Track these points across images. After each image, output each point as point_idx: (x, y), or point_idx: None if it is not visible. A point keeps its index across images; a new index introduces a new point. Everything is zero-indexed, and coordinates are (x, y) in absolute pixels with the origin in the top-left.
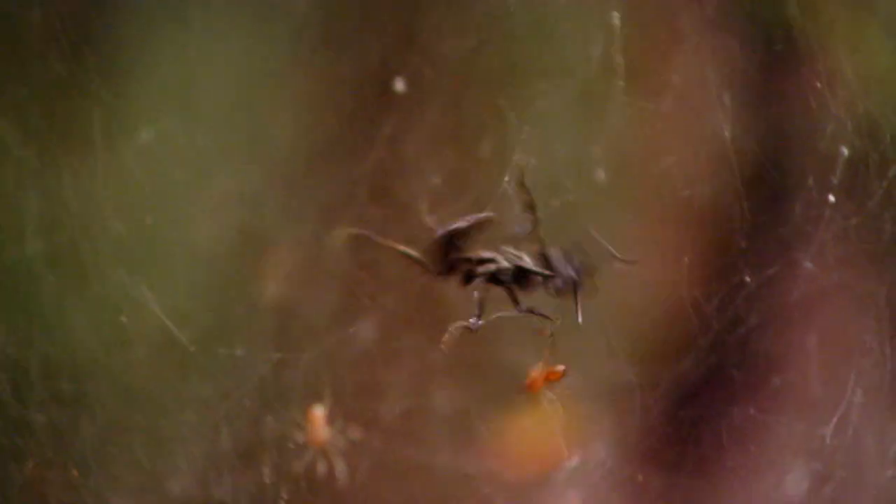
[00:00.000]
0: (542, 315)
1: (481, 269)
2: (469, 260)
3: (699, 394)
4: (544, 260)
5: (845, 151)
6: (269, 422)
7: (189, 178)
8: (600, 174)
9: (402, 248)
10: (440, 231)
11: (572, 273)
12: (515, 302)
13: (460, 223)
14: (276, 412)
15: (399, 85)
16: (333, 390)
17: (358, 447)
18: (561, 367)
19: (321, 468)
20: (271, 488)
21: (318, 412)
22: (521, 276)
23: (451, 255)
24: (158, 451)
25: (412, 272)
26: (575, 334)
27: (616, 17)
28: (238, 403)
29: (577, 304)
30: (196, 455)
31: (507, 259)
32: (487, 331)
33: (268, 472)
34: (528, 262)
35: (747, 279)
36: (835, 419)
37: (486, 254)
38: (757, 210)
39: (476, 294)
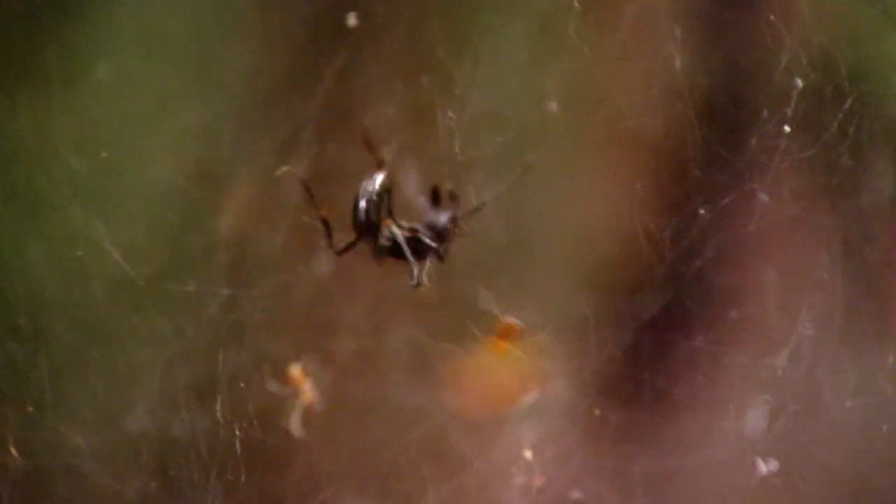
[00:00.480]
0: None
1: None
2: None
3: (654, 326)
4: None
5: (800, 83)
6: (222, 359)
7: (145, 114)
8: (552, 106)
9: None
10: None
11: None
12: (410, 274)
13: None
14: (229, 349)
15: (352, 20)
16: (287, 326)
17: (313, 383)
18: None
19: (275, 405)
20: (225, 426)
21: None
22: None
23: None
24: (115, 387)
25: None
26: (530, 268)
27: None
28: (192, 340)
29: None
30: (152, 391)
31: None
32: (444, 267)
33: (220, 409)
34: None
35: (701, 211)
36: (787, 351)
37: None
38: (711, 142)
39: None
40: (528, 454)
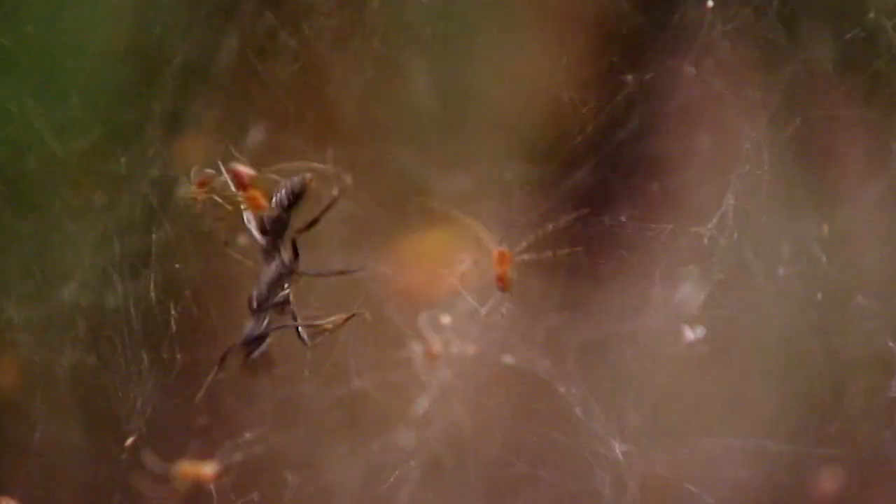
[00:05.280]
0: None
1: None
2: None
3: (579, 198)
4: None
5: None
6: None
7: None
8: None
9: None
10: None
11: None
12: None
13: None
14: (161, 223)
15: None
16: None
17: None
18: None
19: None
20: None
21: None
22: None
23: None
24: (49, 260)
25: None
26: (462, 137)
27: None
28: (127, 213)
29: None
30: (87, 264)
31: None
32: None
33: (154, 277)
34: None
35: (626, 81)
36: (714, 221)
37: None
38: (636, 12)
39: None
40: (459, 324)
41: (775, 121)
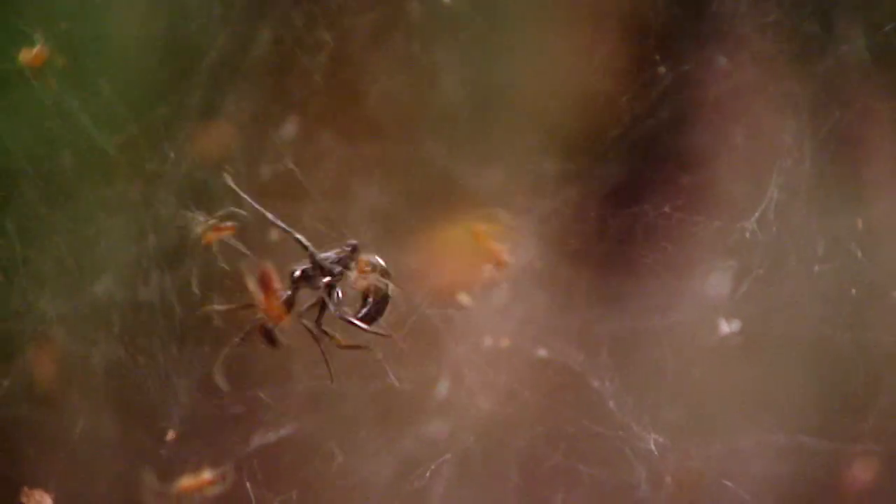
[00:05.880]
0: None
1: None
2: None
3: (618, 190)
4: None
5: None
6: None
7: None
8: None
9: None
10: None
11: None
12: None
13: None
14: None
15: None
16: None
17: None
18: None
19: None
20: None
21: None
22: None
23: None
24: (85, 254)
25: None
26: (496, 131)
27: None
28: (163, 206)
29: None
30: (122, 257)
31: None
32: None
33: (191, 271)
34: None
35: (662, 74)
36: (754, 217)
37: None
38: (671, 4)
39: None
40: (495, 316)
41: (815, 114)
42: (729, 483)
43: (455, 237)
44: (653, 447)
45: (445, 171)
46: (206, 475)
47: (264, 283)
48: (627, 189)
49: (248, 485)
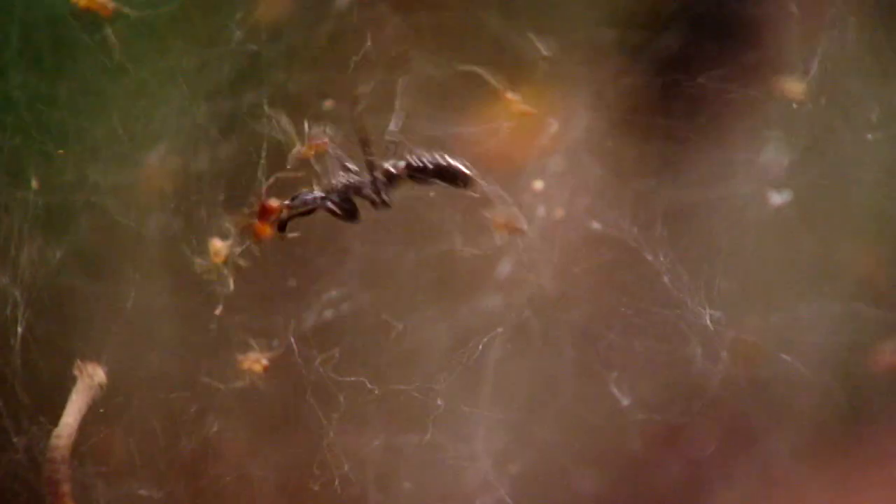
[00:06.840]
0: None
1: None
2: None
3: (673, 61)
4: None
5: None
6: (246, 96)
7: None
8: None
9: None
10: None
11: None
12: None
13: None
14: (250, 88)
15: None
16: (311, 64)
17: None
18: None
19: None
20: (252, 153)
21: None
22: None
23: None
24: (136, 124)
25: None
26: (550, 1)
27: None
28: (214, 76)
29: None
30: (173, 127)
31: None
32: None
33: (245, 140)
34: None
35: None
36: (803, 86)
37: None
38: None
39: None
40: (547, 187)
41: None
42: (786, 356)
43: (507, 108)
44: (708, 322)
45: (499, 40)
46: (257, 348)
47: (263, 213)
48: (680, 60)
49: (296, 350)
